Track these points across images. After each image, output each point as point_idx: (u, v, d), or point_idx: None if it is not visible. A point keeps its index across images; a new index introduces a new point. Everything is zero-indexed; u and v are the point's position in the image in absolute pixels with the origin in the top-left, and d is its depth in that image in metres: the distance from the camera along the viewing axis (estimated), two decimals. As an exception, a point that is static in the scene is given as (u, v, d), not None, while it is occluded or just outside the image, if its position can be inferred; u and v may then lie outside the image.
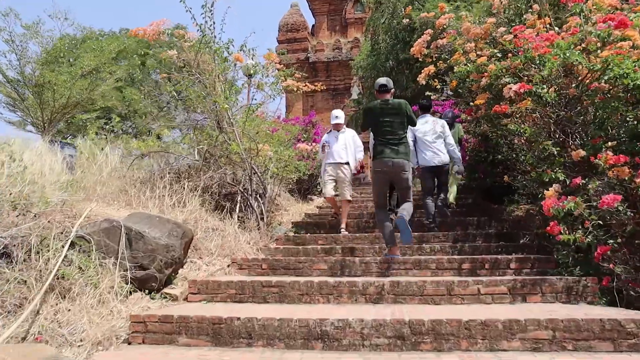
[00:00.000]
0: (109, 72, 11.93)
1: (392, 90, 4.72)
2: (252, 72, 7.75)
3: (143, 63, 14.90)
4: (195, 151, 6.32)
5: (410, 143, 5.43)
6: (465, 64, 5.37)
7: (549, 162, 4.86)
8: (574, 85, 4.75)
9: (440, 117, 6.96)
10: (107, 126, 13.24)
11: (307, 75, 19.75)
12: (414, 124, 4.91)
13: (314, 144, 9.38)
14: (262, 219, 6.21)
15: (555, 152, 4.60)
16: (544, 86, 4.74)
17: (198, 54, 5.94)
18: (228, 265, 4.74)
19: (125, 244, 3.80)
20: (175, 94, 7.24)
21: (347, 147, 6.61)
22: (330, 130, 6.92)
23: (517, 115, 5.01)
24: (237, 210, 6.29)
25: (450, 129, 6.56)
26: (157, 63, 14.28)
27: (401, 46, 14.48)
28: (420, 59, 6.09)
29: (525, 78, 5.10)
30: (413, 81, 14.21)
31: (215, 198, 6.20)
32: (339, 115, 6.82)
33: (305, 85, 8.13)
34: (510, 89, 4.77)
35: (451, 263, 4.38)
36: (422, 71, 6.07)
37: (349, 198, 6.56)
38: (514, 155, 5.83)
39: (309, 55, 23.62)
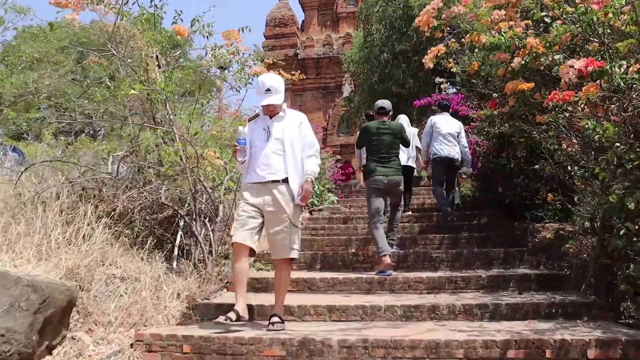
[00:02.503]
0: (55, 64, 10.10)
1: (391, 113, 5.10)
2: (212, 55, 6.02)
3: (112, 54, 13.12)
4: (109, 160, 4.53)
5: (425, 140, 6.51)
6: (496, 34, 3.77)
7: (634, 179, 3.19)
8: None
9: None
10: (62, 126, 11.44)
11: (296, 72, 18.07)
12: (406, 145, 5.20)
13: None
14: (210, 252, 4.47)
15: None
16: (623, 62, 3.12)
17: (116, 24, 4.21)
18: (132, 345, 2.99)
19: None
20: (107, 81, 5.55)
21: (288, 149, 3.25)
22: (257, 116, 3.49)
23: (581, 107, 3.32)
24: (177, 242, 4.55)
25: None
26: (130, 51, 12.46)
27: (397, 37, 12.83)
28: (427, 33, 4.46)
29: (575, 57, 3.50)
30: (411, 76, 12.57)
31: (146, 225, 4.44)
32: (272, 84, 3.24)
33: (279, 73, 6.41)
34: (572, 67, 3.15)
35: (489, 349, 2.66)
36: (429, 51, 4.49)
37: (291, 255, 3.21)
38: (558, 168, 4.26)
39: (298, 51, 21.96)
